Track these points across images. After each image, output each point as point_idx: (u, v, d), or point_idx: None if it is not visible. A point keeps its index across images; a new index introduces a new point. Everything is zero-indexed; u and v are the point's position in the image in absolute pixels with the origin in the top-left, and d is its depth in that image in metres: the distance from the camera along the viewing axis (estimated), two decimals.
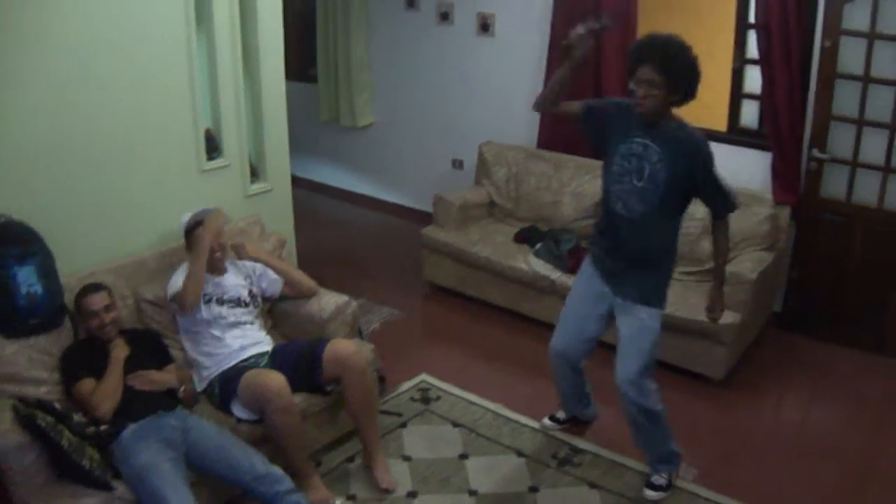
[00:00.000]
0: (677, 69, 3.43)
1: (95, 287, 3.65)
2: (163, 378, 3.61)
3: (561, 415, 4.49)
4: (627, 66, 3.56)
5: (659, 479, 3.96)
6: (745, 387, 4.95)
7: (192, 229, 3.95)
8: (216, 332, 3.88)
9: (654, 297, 3.79)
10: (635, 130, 3.61)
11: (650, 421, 3.85)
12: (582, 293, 4.01)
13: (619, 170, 3.66)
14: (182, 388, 3.65)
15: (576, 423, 4.50)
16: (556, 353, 4.11)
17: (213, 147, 4.59)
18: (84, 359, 3.53)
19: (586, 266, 4.00)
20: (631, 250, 3.75)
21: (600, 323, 3.98)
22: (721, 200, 3.69)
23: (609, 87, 5.94)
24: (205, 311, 3.87)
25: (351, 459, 4.03)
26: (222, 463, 3.37)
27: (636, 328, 3.79)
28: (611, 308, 3.90)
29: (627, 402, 3.83)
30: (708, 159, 3.59)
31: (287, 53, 5.00)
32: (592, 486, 3.97)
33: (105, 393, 3.39)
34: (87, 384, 3.42)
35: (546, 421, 4.48)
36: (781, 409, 4.99)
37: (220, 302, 3.94)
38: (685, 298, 4.95)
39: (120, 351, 3.57)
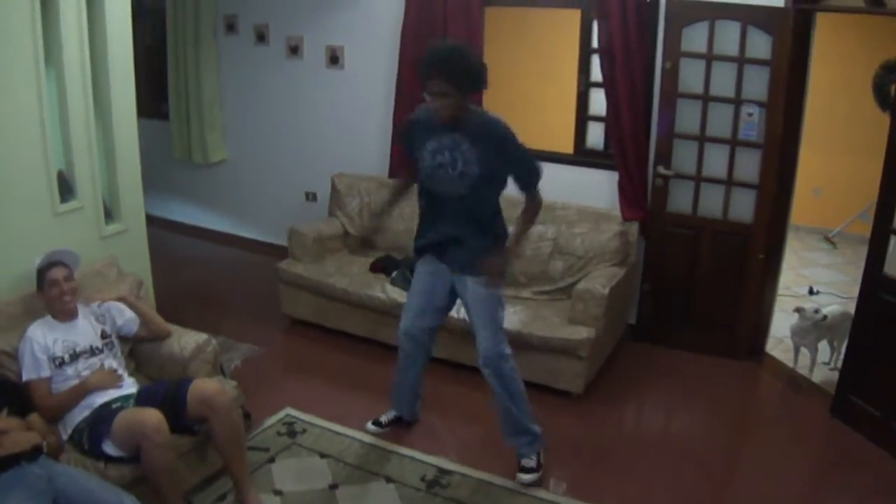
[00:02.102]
0: (462, 75, 3.77)
1: None
2: (26, 438, 3.50)
3: (384, 418, 4.72)
4: (419, 79, 3.90)
5: (529, 462, 4.26)
6: (605, 399, 5.16)
7: (44, 269, 3.87)
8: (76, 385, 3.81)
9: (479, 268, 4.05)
10: (440, 129, 3.95)
11: (515, 399, 4.18)
12: (422, 277, 4.35)
13: (431, 163, 4.01)
14: (45, 442, 3.55)
15: (398, 426, 4.72)
16: (405, 333, 4.40)
17: (66, 189, 4.50)
18: None
19: (419, 266, 4.36)
20: (461, 231, 4.09)
21: (445, 298, 4.32)
22: (528, 173, 4.05)
23: None
24: (59, 377, 3.78)
25: (223, 497, 3.99)
26: (83, 498, 3.29)
27: (479, 299, 4.11)
28: (452, 285, 4.24)
29: (494, 379, 4.15)
30: (509, 137, 3.96)
31: (138, 90, 4.96)
32: None
33: None
34: None
35: (370, 425, 4.70)
36: (642, 417, 5.25)
37: (74, 357, 3.83)
38: (541, 317, 5.14)
39: None
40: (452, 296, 4.32)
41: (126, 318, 4.20)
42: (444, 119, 3.87)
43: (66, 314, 3.93)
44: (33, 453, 3.37)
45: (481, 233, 4.10)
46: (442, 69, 3.74)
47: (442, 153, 3.97)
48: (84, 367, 3.85)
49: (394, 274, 5.71)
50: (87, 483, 3.35)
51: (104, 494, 3.33)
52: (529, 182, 4.06)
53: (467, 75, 3.78)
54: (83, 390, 3.74)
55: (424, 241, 4.27)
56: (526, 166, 4.02)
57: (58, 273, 3.86)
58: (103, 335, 4.02)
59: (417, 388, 4.66)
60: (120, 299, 4.23)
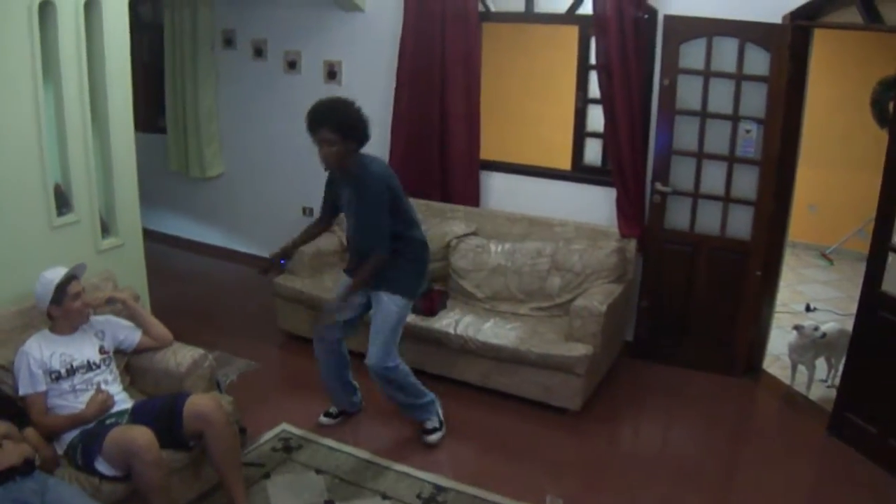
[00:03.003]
0: (347, 124, 4.20)
1: None
2: (18, 451, 3.48)
3: (333, 409, 5.00)
4: (308, 130, 4.28)
5: (431, 423, 4.75)
6: (603, 416, 5.15)
7: (64, 283, 3.85)
8: (71, 402, 3.78)
9: (391, 285, 4.46)
10: (340, 183, 4.46)
11: (404, 390, 4.62)
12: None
13: (345, 212, 4.53)
14: (38, 456, 3.52)
15: (349, 418, 5.01)
16: (317, 339, 4.74)
17: (62, 203, 4.49)
18: None
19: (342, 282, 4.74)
20: (365, 259, 4.40)
21: (354, 309, 4.63)
22: (368, 232, 4.39)
23: (454, 117, 6.21)
24: (54, 391, 3.77)
25: None
26: None
27: (379, 313, 4.48)
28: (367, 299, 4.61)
29: (379, 382, 4.55)
30: (366, 191, 4.31)
31: (135, 104, 4.97)
32: None
33: None
34: None
35: (322, 418, 4.96)
36: (639, 434, 5.23)
37: (71, 371, 3.82)
38: (538, 333, 5.13)
39: None
40: (363, 308, 4.68)
41: (126, 331, 4.20)
42: (331, 166, 4.31)
43: (74, 327, 3.94)
44: (27, 468, 3.35)
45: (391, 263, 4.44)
46: (327, 118, 4.17)
47: (346, 205, 4.47)
48: (80, 382, 3.83)
49: None
50: (79, 500, 3.33)
51: None
52: (366, 240, 4.42)
53: (350, 124, 4.20)
54: (81, 420, 3.73)
55: (348, 266, 4.70)
56: (369, 224, 4.36)
57: (78, 286, 3.91)
58: (101, 350, 4.01)
59: (344, 383, 4.92)
60: (120, 300, 4.23)
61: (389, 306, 4.45)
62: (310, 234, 4.85)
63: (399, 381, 4.55)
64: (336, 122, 4.15)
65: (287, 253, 4.77)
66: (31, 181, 4.25)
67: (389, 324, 4.45)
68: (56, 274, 3.86)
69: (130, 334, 4.21)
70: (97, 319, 4.11)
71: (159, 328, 4.31)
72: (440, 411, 4.79)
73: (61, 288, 3.84)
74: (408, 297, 4.54)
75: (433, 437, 4.71)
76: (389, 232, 4.33)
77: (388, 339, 4.45)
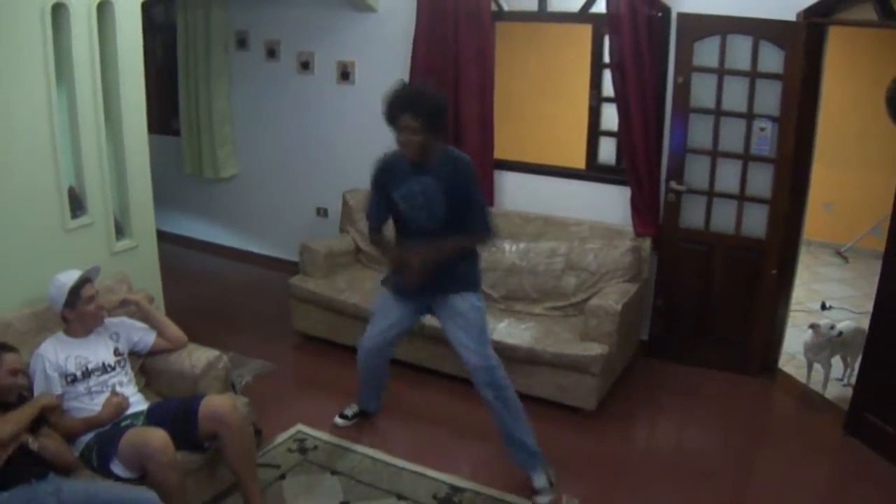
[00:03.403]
0: (433, 113, 3.97)
1: (9, 347, 3.60)
2: (67, 452, 3.53)
3: (349, 411, 4.95)
4: (387, 117, 4.06)
5: (540, 481, 4.23)
6: (618, 415, 5.14)
7: (77, 287, 3.86)
8: (86, 404, 3.79)
9: (470, 283, 4.28)
10: (410, 173, 4.12)
11: (508, 406, 4.22)
12: (389, 302, 4.49)
13: (405, 208, 4.18)
14: (58, 460, 3.54)
15: (363, 419, 4.96)
16: (367, 351, 4.61)
17: (77, 205, 4.51)
18: None
19: (385, 294, 4.50)
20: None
21: (411, 319, 4.51)
22: (475, 220, 4.16)
23: (468, 116, 6.17)
24: (70, 393, 3.78)
25: None
26: None
27: (466, 313, 4.21)
28: (421, 309, 4.44)
29: (487, 391, 4.21)
30: (467, 173, 4.12)
31: (149, 106, 4.97)
32: None
33: (14, 417, 3.35)
34: None
35: (337, 419, 4.92)
36: (655, 434, 5.21)
37: (86, 374, 3.83)
38: (553, 333, 5.12)
39: (43, 400, 3.54)
40: (416, 316, 4.54)
41: (141, 332, 4.21)
42: (412, 156, 4.05)
43: (89, 330, 3.95)
44: (41, 470, 3.37)
45: (461, 259, 4.25)
46: (412, 104, 3.94)
47: (414, 196, 4.14)
48: (95, 384, 3.84)
49: None
50: (90, 489, 3.36)
51: (107, 496, 3.34)
52: (477, 229, 4.19)
53: (435, 112, 3.98)
54: (96, 423, 3.74)
55: (399, 281, 4.34)
56: (470, 207, 4.14)
57: (91, 289, 3.91)
58: (116, 352, 4.02)
59: (379, 386, 4.90)
60: (134, 302, 4.25)
61: (474, 303, 4.24)
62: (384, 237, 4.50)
63: (504, 389, 4.20)
64: (420, 108, 3.94)
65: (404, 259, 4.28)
66: (45, 183, 4.27)
67: (481, 320, 4.25)
68: (69, 277, 3.87)
69: (145, 336, 4.22)
70: (111, 321, 4.12)
71: (174, 330, 4.32)
72: (549, 471, 4.30)
73: (75, 291, 3.85)
74: (480, 292, 4.38)
75: (543, 499, 4.18)
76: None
77: (484, 337, 4.24)
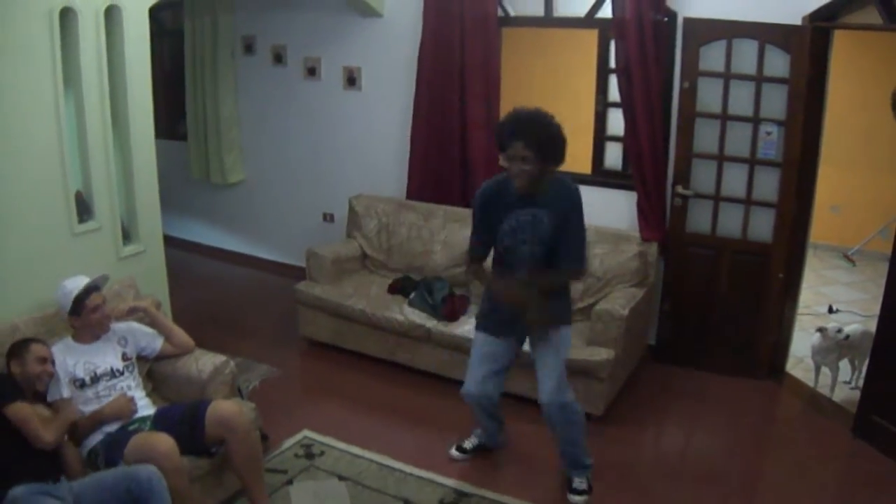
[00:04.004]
0: (546, 142, 3.72)
1: (36, 339, 3.71)
2: (78, 462, 3.62)
3: (468, 444, 4.69)
4: (498, 143, 3.85)
5: (581, 484, 4.27)
6: (625, 420, 5.13)
7: (83, 295, 3.87)
8: (95, 408, 3.80)
9: (564, 317, 4.13)
10: (517, 204, 3.90)
11: (575, 428, 4.19)
12: (484, 343, 4.22)
13: (510, 241, 3.96)
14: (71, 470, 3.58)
15: (481, 452, 4.69)
16: (471, 397, 4.26)
17: (84, 210, 4.52)
18: (14, 386, 3.50)
19: (480, 337, 4.24)
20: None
21: (508, 356, 4.23)
22: (572, 253, 3.96)
23: (474, 121, 6.18)
24: (79, 398, 3.78)
25: None
26: (100, 496, 3.37)
27: (555, 347, 4.06)
28: (516, 345, 4.22)
29: (554, 419, 4.12)
30: (578, 208, 3.91)
31: (156, 111, 4.99)
32: None
33: (55, 425, 3.46)
34: (25, 406, 3.40)
35: (454, 452, 4.68)
36: (662, 438, 5.20)
37: (95, 379, 3.85)
38: None
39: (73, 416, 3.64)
40: (514, 352, 4.27)
41: (148, 338, 4.22)
42: (523, 186, 3.82)
43: (96, 336, 3.95)
44: (55, 471, 3.41)
45: (560, 291, 4.13)
46: (525, 131, 3.70)
47: (521, 230, 3.94)
48: (104, 389, 3.85)
49: (412, 295, 5.70)
50: (91, 482, 3.43)
51: (108, 478, 3.43)
52: (571, 260, 3.98)
53: (550, 143, 3.74)
54: (99, 419, 3.75)
55: (496, 318, 4.17)
56: (577, 245, 3.96)
57: (98, 298, 3.93)
58: (124, 357, 4.02)
59: (497, 425, 4.59)
60: (142, 309, 4.25)
61: (565, 339, 4.13)
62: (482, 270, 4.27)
63: (574, 417, 4.17)
64: (532, 137, 3.70)
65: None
66: (53, 188, 4.29)
67: (565, 352, 4.13)
68: (76, 284, 3.89)
69: (152, 341, 4.22)
70: (119, 326, 4.13)
71: (181, 336, 4.33)
72: (591, 477, 4.35)
73: (80, 300, 3.87)
74: (571, 325, 4.24)
75: (579, 499, 4.24)
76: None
77: (563, 373, 4.08)
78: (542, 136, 3.71)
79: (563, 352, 4.10)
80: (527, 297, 3.89)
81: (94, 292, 3.93)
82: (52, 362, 3.69)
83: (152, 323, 4.30)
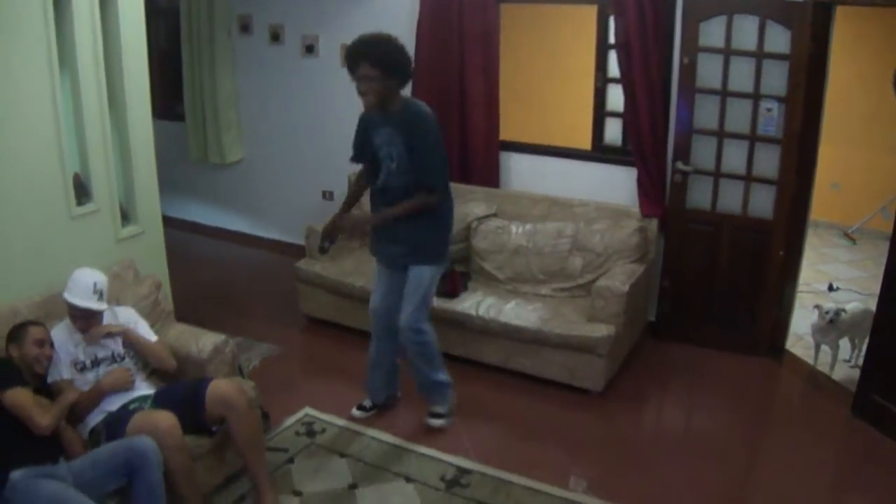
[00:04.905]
0: (387, 59, 4.03)
1: (34, 322, 3.69)
2: (78, 443, 3.62)
3: (367, 402, 4.90)
4: (348, 68, 4.12)
5: (439, 409, 4.70)
6: (625, 396, 5.14)
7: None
8: None
9: (426, 258, 4.41)
10: (379, 124, 4.23)
11: (429, 361, 4.56)
12: (378, 271, 4.67)
13: (381, 156, 4.27)
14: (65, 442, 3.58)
15: (383, 410, 4.91)
16: (374, 311, 4.65)
17: (82, 192, 4.51)
18: (12, 371, 3.51)
19: (377, 267, 4.67)
20: (402, 223, 4.30)
21: (399, 284, 4.48)
22: (426, 172, 4.21)
23: (473, 98, 6.17)
24: (79, 381, 3.79)
25: (242, 498, 4.00)
26: (99, 472, 3.39)
27: (413, 279, 4.39)
28: (402, 272, 4.47)
29: (409, 346, 4.47)
30: (430, 129, 4.20)
31: (153, 92, 4.96)
32: None
33: (53, 410, 3.47)
34: (21, 392, 3.41)
35: (354, 411, 4.87)
36: (662, 414, 5.23)
37: (96, 363, 3.85)
38: (560, 314, 5.12)
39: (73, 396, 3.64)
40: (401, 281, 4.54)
41: (143, 331, 4.13)
42: (371, 105, 4.10)
43: (84, 331, 3.87)
44: (55, 456, 3.44)
45: (418, 223, 4.33)
46: (369, 52, 4.00)
47: (382, 148, 4.25)
48: (105, 373, 3.86)
49: None
50: (86, 462, 3.44)
51: (103, 457, 3.44)
52: (422, 181, 4.22)
53: (392, 60, 4.04)
54: (99, 393, 3.75)
55: (376, 243, 4.59)
56: (427, 164, 4.20)
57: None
58: (124, 343, 4.01)
59: (390, 375, 4.89)
60: (118, 334, 4.00)
61: (423, 272, 4.38)
62: (357, 192, 4.72)
63: (427, 348, 4.50)
64: (377, 57, 3.99)
65: (336, 222, 4.53)
66: (50, 171, 4.27)
67: (423, 287, 4.38)
68: (85, 278, 3.83)
69: (147, 335, 4.17)
70: (125, 313, 4.12)
71: (160, 354, 4.10)
72: (453, 401, 4.75)
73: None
74: (441, 264, 4.52)
75: (437, 422, 4.68)
76: (448, 172, 4.34)
77: (420, 303, 4.38)
78: (384, 53, 4.02)
79: (424, 288, 4.39)
80: (364, 220, 4.48)
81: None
82: (51, 344, 3.69)
83: (132, 344, 4.06)
